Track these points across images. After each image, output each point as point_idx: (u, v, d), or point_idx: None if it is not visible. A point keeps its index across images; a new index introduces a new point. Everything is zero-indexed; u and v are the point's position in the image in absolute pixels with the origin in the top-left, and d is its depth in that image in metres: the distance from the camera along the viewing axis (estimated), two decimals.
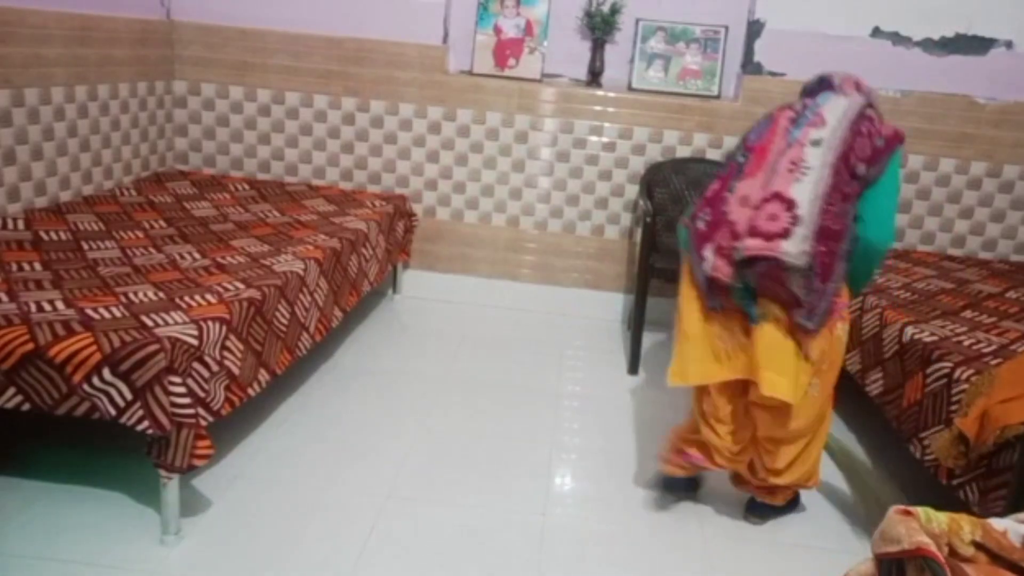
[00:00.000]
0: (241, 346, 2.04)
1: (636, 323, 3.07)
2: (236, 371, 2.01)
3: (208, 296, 2.08)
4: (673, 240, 2.38)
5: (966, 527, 1.10)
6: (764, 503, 2.15)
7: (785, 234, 1.74)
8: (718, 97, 3.43)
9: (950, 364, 2.10)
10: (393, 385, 2.81)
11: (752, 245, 1.77)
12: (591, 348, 3.32)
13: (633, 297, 3.22)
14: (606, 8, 3.38)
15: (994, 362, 2.08)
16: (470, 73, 3.50)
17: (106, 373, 1.69)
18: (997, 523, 1.13)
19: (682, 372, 1.94)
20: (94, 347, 1.69)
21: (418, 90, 3.47)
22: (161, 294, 2.08)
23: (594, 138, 3.46)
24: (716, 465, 2.07)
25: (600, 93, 3.42)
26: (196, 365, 1.83)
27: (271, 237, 2.76)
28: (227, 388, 1.97)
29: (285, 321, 2.30)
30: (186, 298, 2.05)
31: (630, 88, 3.46)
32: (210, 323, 1.90)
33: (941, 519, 1.10)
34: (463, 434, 2.51)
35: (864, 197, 1.83)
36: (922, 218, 3.48)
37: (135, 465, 2.00)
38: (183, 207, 3.05)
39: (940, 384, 2.10)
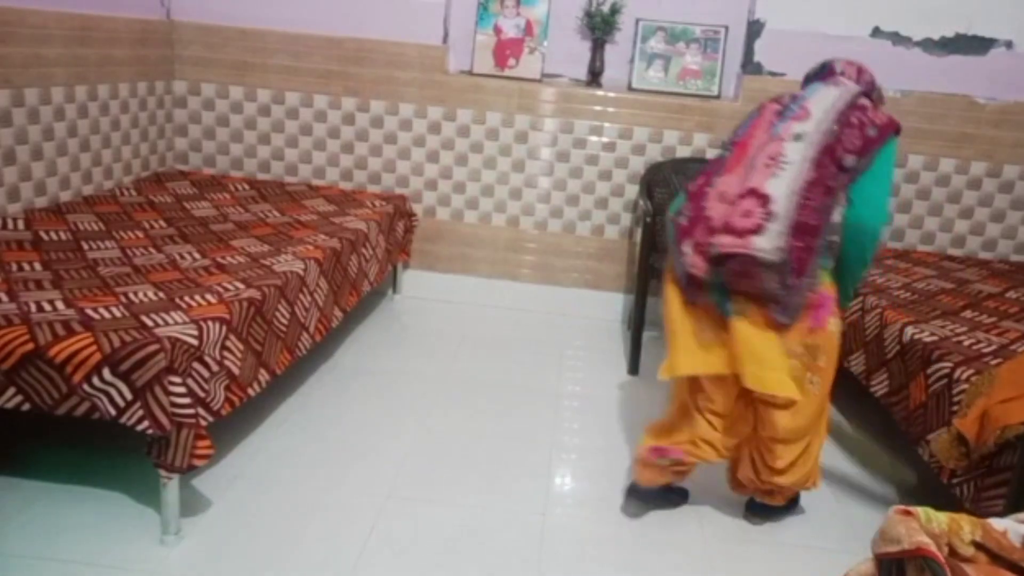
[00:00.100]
0: (241, 346, 2.04)
1: (636, 323, 3.07)
2: (236, 371, 2.01)
3: (208, 296, 2.08)
4: None
5: (966, 527, 1.10)
6: (764, 504, 2.15)
7: (758, 230, 1.72)
8: (718, 97, 3.43)
9: (950, 364, 2.10)
10: (393, 385, 2.81)
11: (724, 242, 1.76)
12: (591, 348, 3.32)
13: (633, 297, 3.22)
14: (606, 8, 3.38)
15: (994, 362, 2.08)
16: (470, 73, 3.50)
17: (106, 373, 1.69)
18: (997, 523, 1.13)
19: (671, 365, 1.95)
20: (94, 347, 1.69)
21: (418, 90, 3.47)
22: (161, 294, 2.08)
23: (594, 138, 3.46)
24: (698, 458, 2.03)
25: (600, 93, 3.42)
26: (196, 365, 1.83)
27: (271, 237, 2.76)
28: (227, 388, 1.97)
29: (285, 321, 2.30)
30: (186, 298, 2.05)
31: (630, 88, 3.46)
32: (210, 323, 1.90)
33: (941, 519, 1.10)
34: (463, 434, 2.51)
35: (855, 182, 1.80)
36: (922, 218, 3.48)
37: (135, 465, 2.00)
38: (183, 207, 3.05)
39: (941, 384, 2.10)
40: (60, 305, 1.92)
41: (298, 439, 2.38)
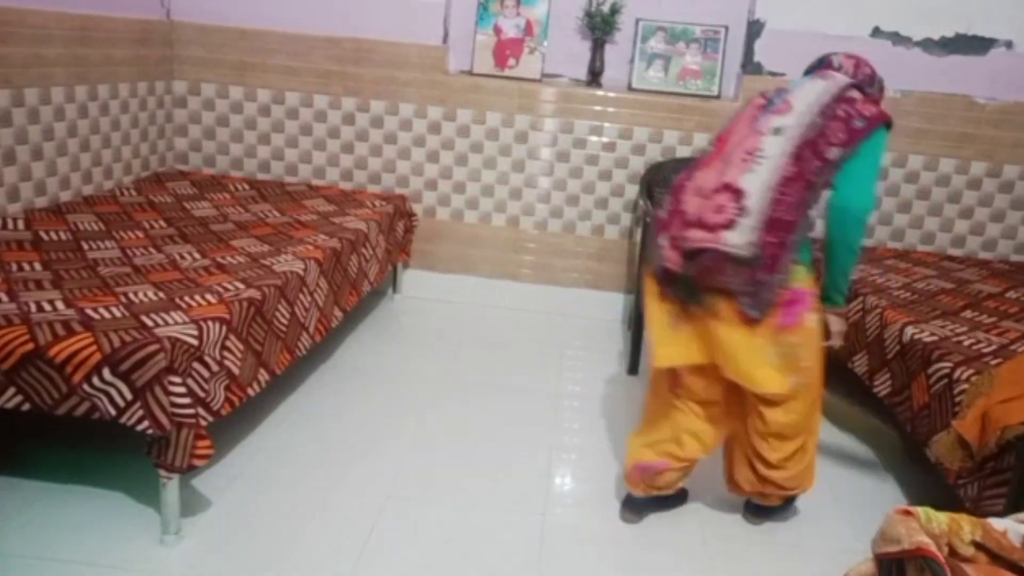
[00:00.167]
0: (241, 346, 2.04)
1: (636, 323, 3.07)
2: (236, 371, 2.01)
3: (208, 296, 2.08)
4: None
5: (966, 527, 1.10)
6: (760, 505, 2.14)
7: (730, 225, 1.72)
8: (718, 97, 3.43)
9: (950, 364, 2.10)
10: (393, 385, 2.81)
11: (695, 236, 1.76)
12: (591, 348, 3.32)
13: (633, 297, 3.22)
14: (606, 8, 3.38)
15: (994, 362, 2.08)
16: (470, 73, 3.50)
17: (106, 373, 1.69)
18: (997, 523, 1.14)
19: (654, 356, 1.96)
20: (94, 347, 1.69)
21: (418, 90, 3.47)
22: (161, 294, 2.08)
23: (594, 138, 3.46)
24: (684, 459, 2.02)
25: (600, 93, 3.42)
26: (196, 365, 1.83)
27: (271, 237, 2.76)
28: (227, 388, 1.97)
29: (285, 321, 2.30)
30: (186, 298, 2.05)
31: (630, 88, 3.46)
32: (210, 323, 1.90)
33: (941, 519, 1.10)
34: (463, 434, 2.51)
35: (840, 169, 1.78)
36: (922, 218, 3.48)
37: (135, 465, 2.00)
38: (183, 207, 3.05)
39: (942, 385, 2.10)
40: (60, 305, 1.92)
41: (298, 439, 2.38)
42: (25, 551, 1.79)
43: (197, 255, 2.47)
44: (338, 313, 2.75)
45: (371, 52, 3.45)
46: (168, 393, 1.72)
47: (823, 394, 2.00)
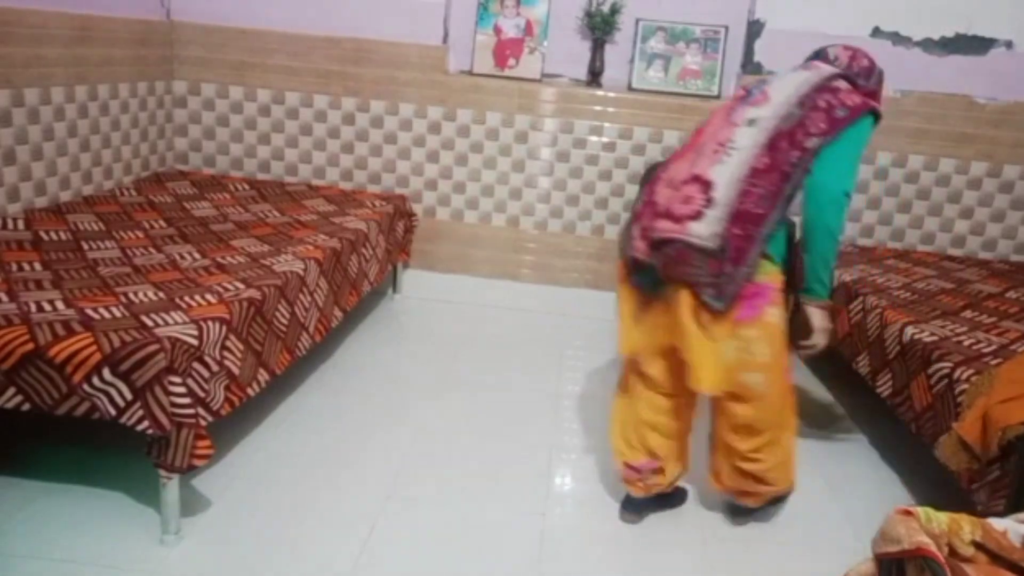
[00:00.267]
0: (241, 346, 2.04)
1: None
2: (236, 371, 2.01)
3: (208, 296, 2.08)
4: None
5: (966, 527, 1.10)
6: (742, 505, 2.12)
7: (696, 216, 1.71)
8: (718, 97, 3.43)
9: (950, 364, 2.10)
10: (393, 385, 2.81)
11: (661, 227, 1.76)
12: (591, 348, 3.32)
13: None
14: (606, 8, 3.38)
15: (994, 362, 2.08)
16: (470, 73, 3.50)
17: (106, 373, 1.69)
18: (997, 523, 1.14)
19: (622, 342, 1.98)
20: (94, 347, 1.69)
21: (418, 90, 3.47)
22: (161, 294, 2.08)
23: (594, 138, 3.46)
24: (658, 455, 2.02)
25: (600, 93, 3.42)
26: (196, 365, 1.83)
27: (271, 237, 2.76)
28: (227, 388, 1.97)
29: (285, 321, 2.30)
30: (186, 298, 2.05)
31: (630, 88, 3.46)
32: (210, 323, 1.90)
33: (941, 519, 1.10)
34: (463, 434, 2.51)
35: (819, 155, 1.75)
36: (922, 218, 3.48)
37: (135, 465, 2.00)
38: (183, 207, 3.05)
39: (943, 385, 2.10)
40: (60, 305, 1.92)
41: (298, 439, 2.38)
42: (25, 551, 1.79)
43: (197, 255, 2.47)
44: (338, 313, 2.75)
45: (371, 52, 3.45)
46: (168, 393, 1.72)
47: (792, 389, 1.97)
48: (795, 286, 1.88)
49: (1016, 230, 3.46)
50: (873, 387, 2.49)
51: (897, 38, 3.31)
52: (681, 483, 2.19)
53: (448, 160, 3.55)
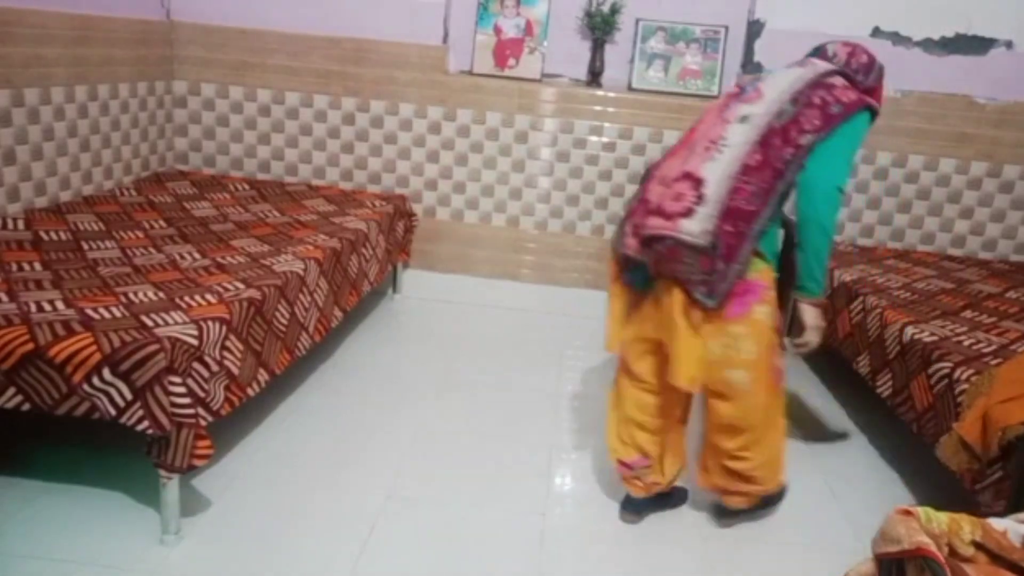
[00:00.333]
0: (241, 346, 2.04)
1: None
2: (236, 371, 2.01)
3: (208, 296, 2.08)
4: None
5: (966, 527, 1.10)
6: (731, 507, 2.10)
7: (687, 213, 1.71)
8: (718, 97, 3.42)
9: (950, 364, 2.10)
10: (393, 385, 2.81)
11: (652, 224, 1.76)
12: (591, 348, 3.31)
13: None
14: (606, 8, 3.38)
15: (994, 362, 2.08)
16: (470, 73, 3.50)
17: (106, 373, 1.69)
18: (997, 523, 1.14)
19: (607, 340, 1.98)
20: (94, 347, 1.69)
21: (418, 90, 3.47)
22: (161, 294, 2.08)
23: (594, 138, 3.46)
24: (648, 452, 2.02)
25: (600, 93, 3.42)
26: (196, 365, 1.83)
27: (271, 237, 2.76)
28: (227, 388, 1.97)
29: (285, 321, 2.30)
30: (186, 298, 2.05)
31: (630, 88, 3.46)
32: (210, 323, 1.90)
33: (941, 519, 1.10)
34: (463, 434, 2.51)
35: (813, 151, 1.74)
36: (922, 218, 3.48)
37: (135, 465, 2.00)
38: (183, 207, 3.05)
39: (943, 385, 2.09)
40: (60, 305, 1.92)
41: (298, 439, 2.38)
42: (25, 550, 1.79)
43: (197, 255, 2.47)
44: (338, 313, 2.75)
45: (371, 52, 3.45)
46: (168, 393, 1.71)
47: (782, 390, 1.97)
48: (792, 284, 1.88)
49: (1016, 230, 3.46)
50: (873, 387, 2.49)
51: (897, 38, 3.32)
52: (681, 483, 2.19)
53: (448, 160, 3.55)
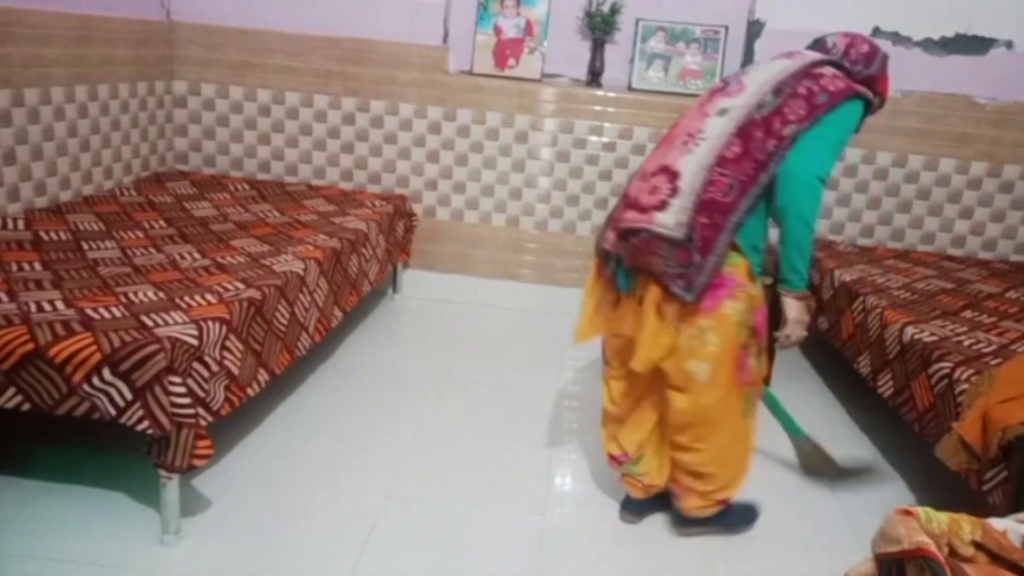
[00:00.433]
0: (241, 346, 2.04)
1: None
2: (236, 371, 2.01)
3: (208, 296, 2.08)
4: None
5: (966, 527, 1.10)
6: (688, 515, 2.03)
7: (661, 206, 1.70)
8: None
9: (950, 364, 2.10)
10: (393, 385, 2.81)
11: (627, 217, 1.76)
12: (591, 348, 3.29)
13: None
14: (606, 8, 3.38)
15: (994, 362, 2.08)
16: (470, 73, 3.50)
17: (106, 373, 1.69)
18: (997, 523, 1.14)
19: (576, 331, 2.00)
20: (94, 347, 1.69)
21: (418, 90, 3.47)
22: (161, 294, 2.08)
23: (594, 138, 3.46)
24: (628, 449, 2.01)
25: (600, 93, 3.42)
26: (196, 365, 1.83)
27: (271, 237, 2.76)
28: (227, 388, 1.97)
29: (285, 321, 2.30)
30: (186, 298, 2.05)
31: (630, 88, 3.46)
32: (210, 323, 1.90)
33: (941, 519, 1.10)
34: (463, 434, 2.51)
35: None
36: (922, 218, 3.48)
37: (135, 465, 2.00)
38: (183, 207, 3.05)
39: (943, 385, 2.09)
40: (60, 305, 1.92)
41: (298, 439, 2.38)
42: (25, 551, 1.79)
43: (197, 255, 2.47)
44: (338, 313, 2.75)
45: (371, 52, 3.45)
46: (168, 393, 1.71)
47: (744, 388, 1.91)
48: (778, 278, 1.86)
49: (1016, 230, 3.46)
50: (874, 387, 2.49)
51: (897, 38, 3.31)
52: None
53: (448, 160, 3.55)
